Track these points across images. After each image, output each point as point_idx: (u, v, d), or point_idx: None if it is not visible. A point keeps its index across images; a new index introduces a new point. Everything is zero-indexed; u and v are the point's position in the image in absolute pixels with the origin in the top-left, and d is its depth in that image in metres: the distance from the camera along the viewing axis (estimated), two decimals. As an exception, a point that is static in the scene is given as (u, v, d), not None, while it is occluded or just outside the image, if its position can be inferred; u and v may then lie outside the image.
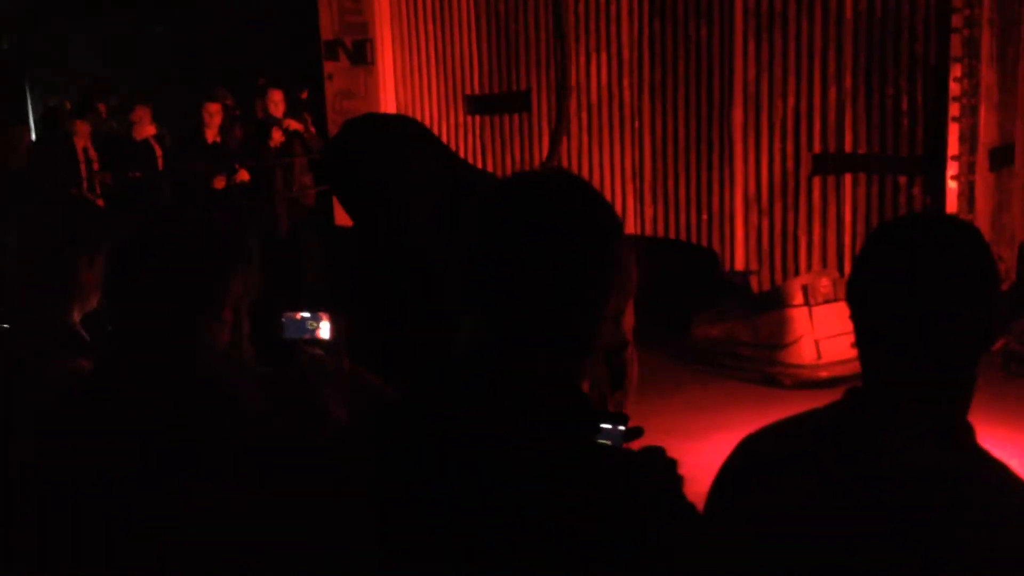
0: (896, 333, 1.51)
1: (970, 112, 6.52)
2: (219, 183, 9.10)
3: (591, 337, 1.49)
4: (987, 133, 6.60)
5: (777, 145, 7.26)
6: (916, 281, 1.50)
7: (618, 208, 7.74)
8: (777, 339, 6.58)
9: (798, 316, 6.55)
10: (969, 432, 1.53)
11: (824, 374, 6.36)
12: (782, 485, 1.55)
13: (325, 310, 2.17)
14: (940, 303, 1.49)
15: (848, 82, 6.92)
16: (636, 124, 7.82)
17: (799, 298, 6.56)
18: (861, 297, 1.56)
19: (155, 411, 1.72)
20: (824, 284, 6.59)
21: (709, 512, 1.62)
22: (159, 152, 9.97)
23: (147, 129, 10.06)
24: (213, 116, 9.46)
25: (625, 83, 7.81)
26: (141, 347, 1.78)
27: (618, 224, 1.54)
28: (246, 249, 1.84)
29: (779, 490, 1.55)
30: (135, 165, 9.82)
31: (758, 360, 6.65)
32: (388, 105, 8.43)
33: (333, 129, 8.58)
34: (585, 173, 7.96)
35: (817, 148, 7.10)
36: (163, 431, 1.70)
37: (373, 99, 8.35)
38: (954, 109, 6.52)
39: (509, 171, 8.31)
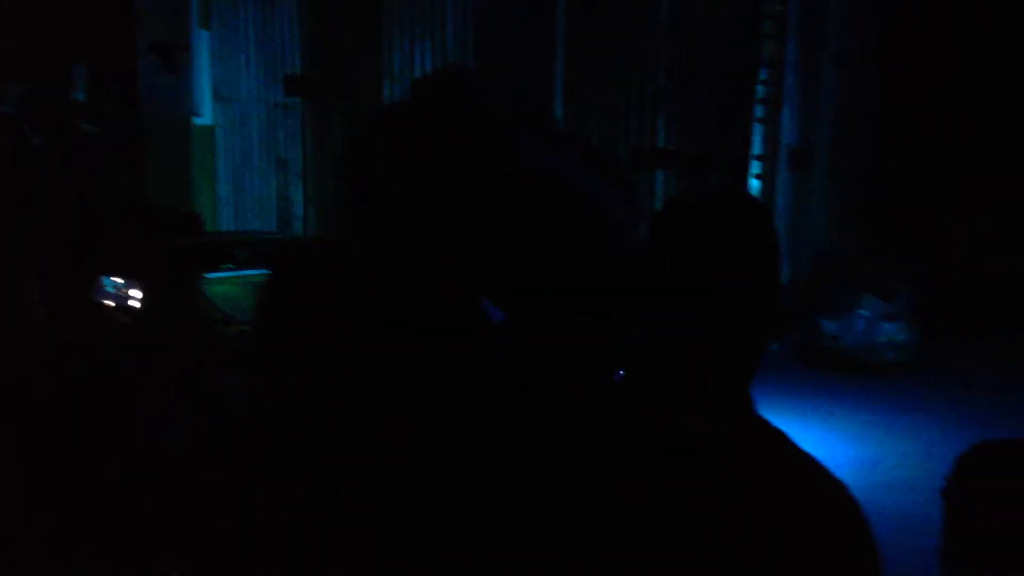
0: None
1: (773, 114, 6.86)
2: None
3: None
4: (788, 135, 6.96)
5: (596, 137, 7.45)
6: (698, 251, 1.49)
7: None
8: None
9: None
10: (749, 402, 1.58)
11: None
12: None
13: (139, 277, 2.10)
14: (723, 274, 1.48)
15: (662, 80, 7.17)
16: (457, 113, 7.85)
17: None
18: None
19: None
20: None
21: None
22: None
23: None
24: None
25: (448, 71, 7.82)
26: None
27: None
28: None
29: None
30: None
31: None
32: (202, 81, 8.17)
33: (147, 104, 8.27)
34: (406, 159, 7.94)
35: (633, 142, 7.32)
36: None
37: (187, 74, 8.09)
38: (757, 110, 6.84)
39: (328, 155, 8.20)
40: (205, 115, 8.71)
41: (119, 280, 2.05)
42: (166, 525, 1.57)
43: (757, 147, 6.91)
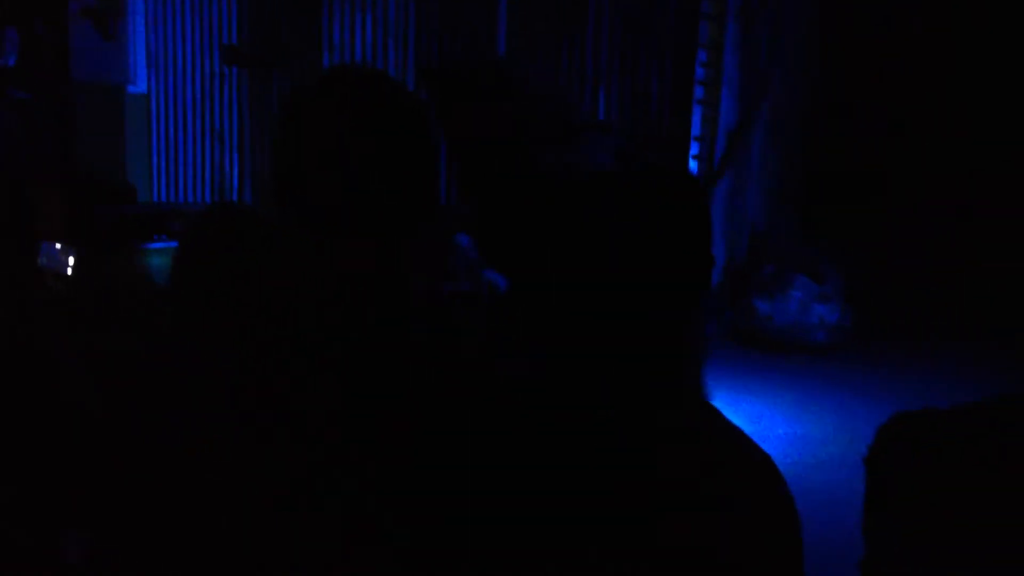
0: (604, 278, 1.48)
1: (712, 96, 6.92)
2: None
3: None
4: (726, 117, 7.02)
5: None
6: (632, 225, 1.47)
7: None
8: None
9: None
10: (698, 389, 1.58)
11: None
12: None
13: (74, 244, 2.09)
14: (651, 248, 1.46)
15: (603, 58, 7.18)
16: (398, 87, 7.80)
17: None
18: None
19: None
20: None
21: None
22: None
23: None
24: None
25: (390, 43, 7.77)
26: None
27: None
28: None
29: None
30: None
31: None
32: (137, 48, 8.01)
33: (79, 70, 8.09)
34: (345, 133, 7.87)
35: (574, 119, 7.34)
36: None
37: (122, 40, 7.91)
38: (699, 92, 6.89)
39: (265, 126, 8.10)
40: (139, 83, 8.55)
41: (55, 246, 2.03)
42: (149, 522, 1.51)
43: (696, 128, 6.96)
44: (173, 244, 5.70)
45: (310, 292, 1.48)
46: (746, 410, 5.25)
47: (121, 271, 4.41)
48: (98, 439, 1.52)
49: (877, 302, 6.71)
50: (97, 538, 1.50)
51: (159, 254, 5.56)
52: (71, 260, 2.07)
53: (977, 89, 7.02)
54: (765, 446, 1.57)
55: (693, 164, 6.96)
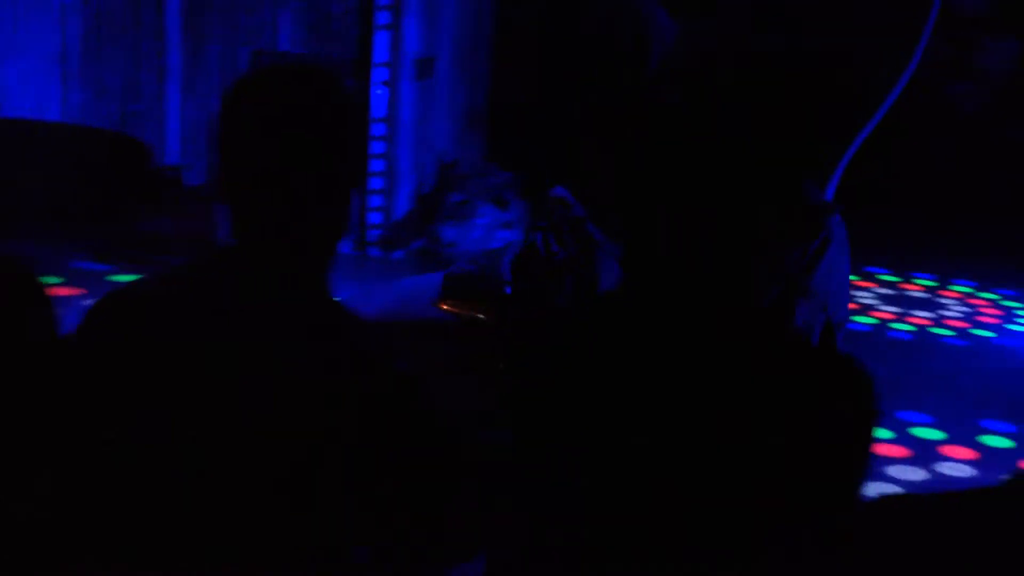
0: (254, 183, 1.51)
1: (397, 21, 6.87)
2: None
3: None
4: (411, 44, 6.99)
5: (215, 38, 7.12)
6: (263, 125, 1.50)
7: (42, 95, 7.11)
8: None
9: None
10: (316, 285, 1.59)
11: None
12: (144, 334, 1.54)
13: None
14: (281, 147, 1.49)
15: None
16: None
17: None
18: (223, 144, 1.55)
19: None
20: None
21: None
22: None
23: None
24: None
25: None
26: None
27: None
28: None
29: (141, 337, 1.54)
30: None
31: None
32: None
33: None
34: None
35: (254, 44, 7.07)
36: None
37: None
38: (381, 17, 6.82)
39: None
40: None
41: None
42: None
43: (383, 55, 6.90)
44: None
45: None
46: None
47: None
48: None
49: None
50: None
51: None
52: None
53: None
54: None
55: (382, 90, 6.92)
